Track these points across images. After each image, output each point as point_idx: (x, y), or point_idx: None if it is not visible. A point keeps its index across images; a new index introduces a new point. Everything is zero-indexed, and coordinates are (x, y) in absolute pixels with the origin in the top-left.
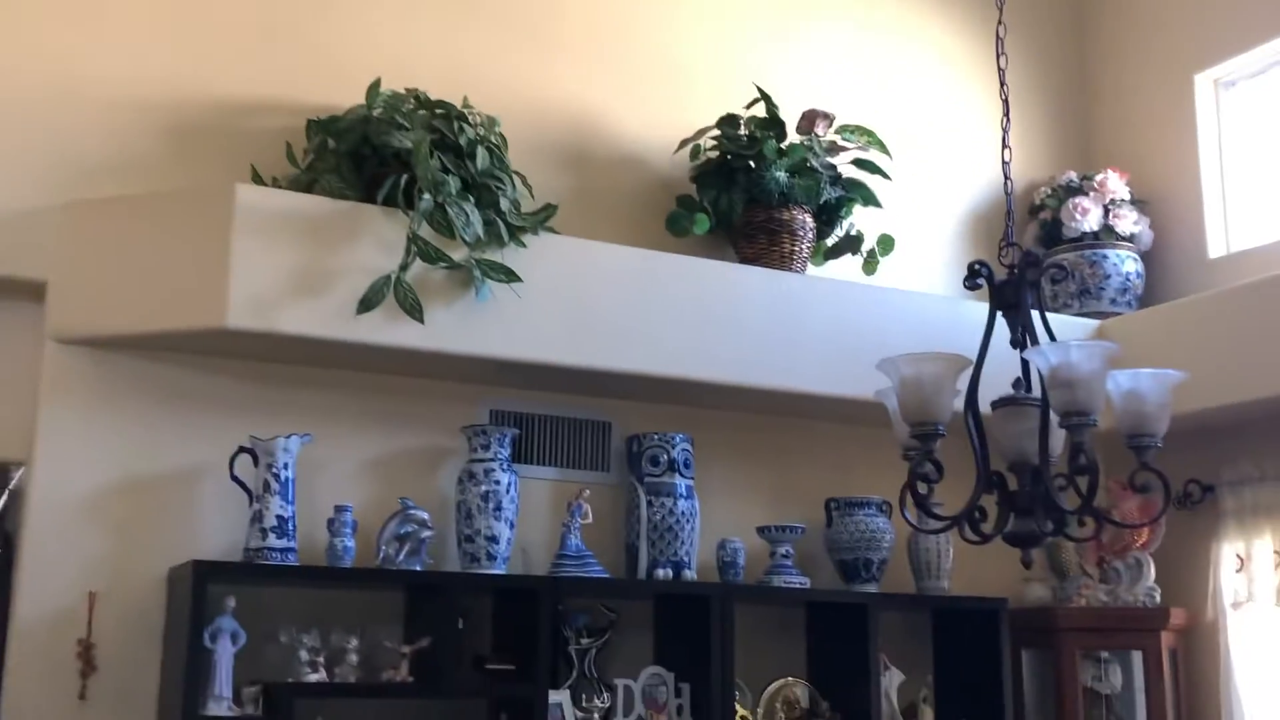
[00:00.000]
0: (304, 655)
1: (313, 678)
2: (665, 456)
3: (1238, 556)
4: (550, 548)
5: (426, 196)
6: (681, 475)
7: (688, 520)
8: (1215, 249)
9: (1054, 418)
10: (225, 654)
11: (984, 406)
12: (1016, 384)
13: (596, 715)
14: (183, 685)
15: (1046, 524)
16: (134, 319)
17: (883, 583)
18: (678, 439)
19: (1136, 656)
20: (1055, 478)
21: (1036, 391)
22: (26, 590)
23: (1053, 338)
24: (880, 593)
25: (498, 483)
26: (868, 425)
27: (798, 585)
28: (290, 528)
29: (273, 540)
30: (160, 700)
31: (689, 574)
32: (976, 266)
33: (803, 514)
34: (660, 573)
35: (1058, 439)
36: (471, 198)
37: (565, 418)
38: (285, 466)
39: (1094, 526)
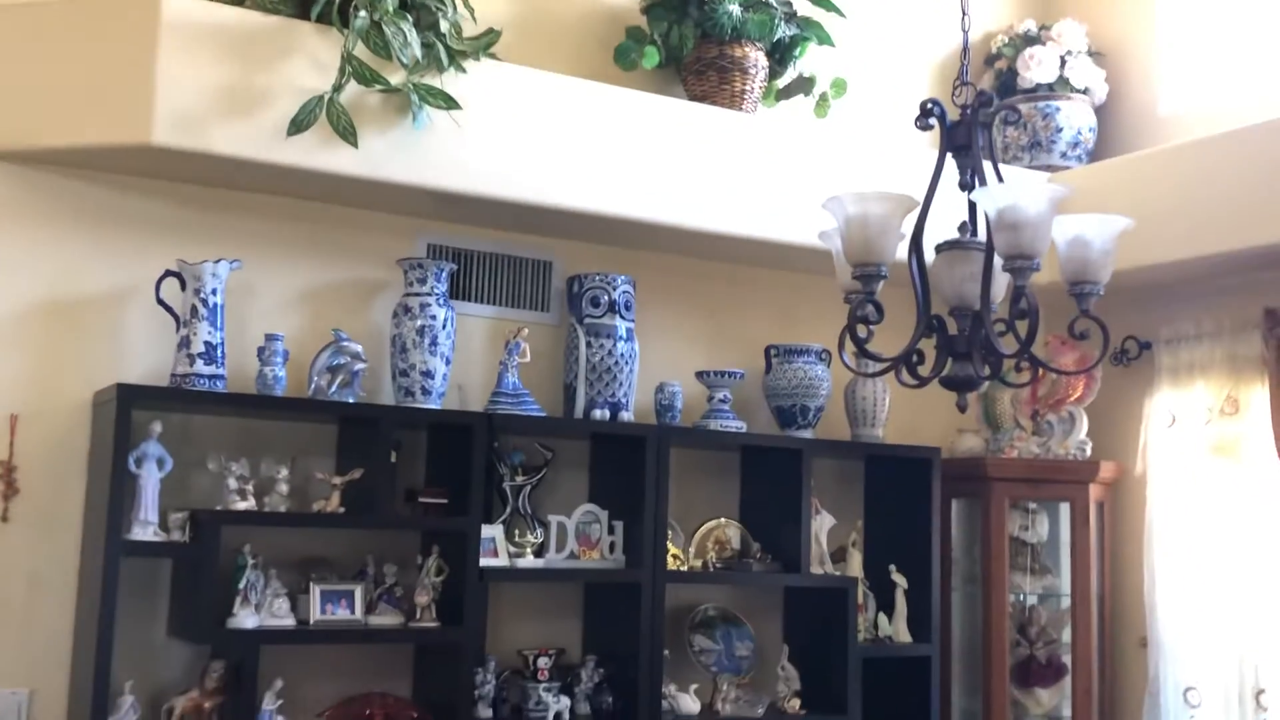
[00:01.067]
0: (232, 483)
1: (241, 506)
2: (606, 298)
3: (1169, 413)
4: (487, 386)
5: (362, 14)
6: (622, 317)
7: (626, 362)
8: (1167, 105)
9: (997, 262)
10: (151, 479)
11: (929, 252)
12: (962, 228)
13: (529, 550)
14: (107, 509)
15: (983, 368)
16: (55, 132)
17: (818, 430)
18: (619, 280)
19: (1064, 508)
20: (995, 323)
21: (982, 237)
22: None
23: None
24: (815, 438)
25: (433, 318)
26: (811, 273)
27: (734, 429)
28: (219, 355)
29: (200, 366)
30: (85, 524)
31: (626, 415)
32: (929, 105)
33: (742, 360)
34: (597, 413)
35: (1000, 285)
36: (410, 18)
37: (505, 255)
38: (214, 292)
39: (1030, 372)
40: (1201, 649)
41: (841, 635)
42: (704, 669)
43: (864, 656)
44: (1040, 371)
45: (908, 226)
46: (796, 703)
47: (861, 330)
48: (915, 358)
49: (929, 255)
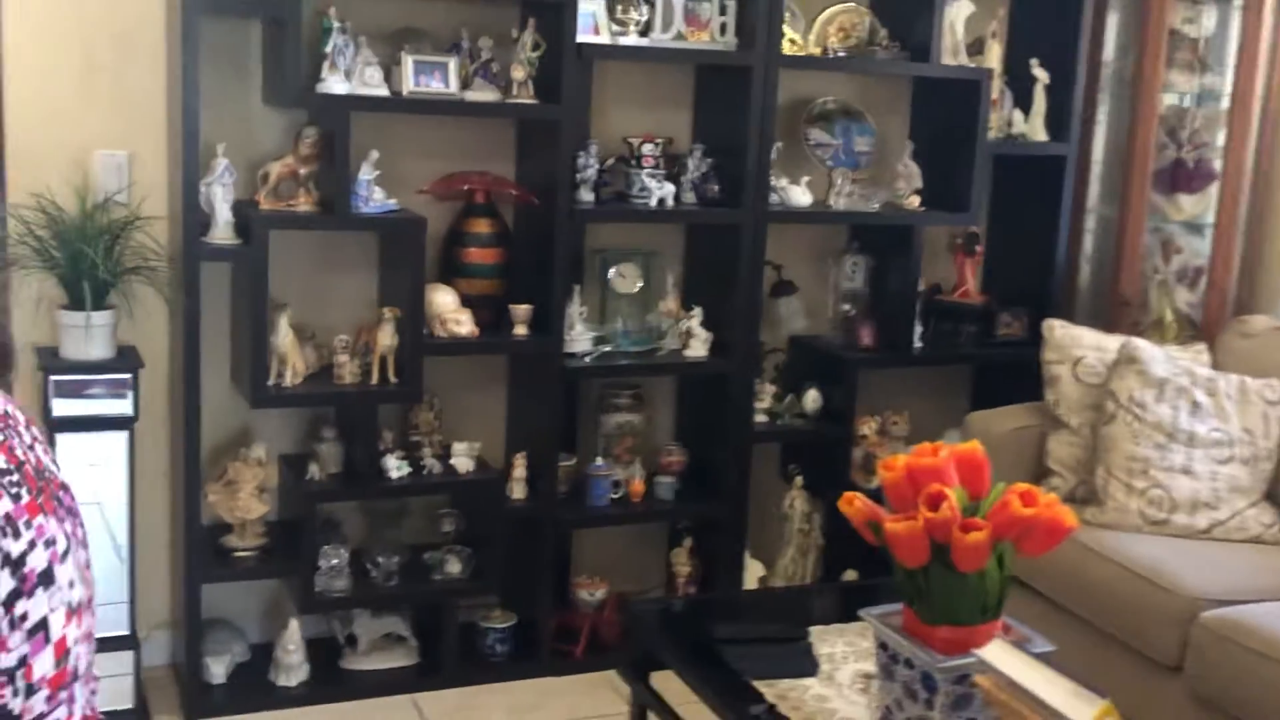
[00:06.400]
0: None
1: None
2: None
3: None
4: None
5: None
6: None
7: None
8: None
9: None
10: None
11: None
12: None
13: (632, 28)
14: None
15: None
16: None
17: None
18: None
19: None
20: None
21: None
22: None
23: None
24: None
25: None
26: None
27: None
28: None
29: None
30: None
31: None
32: None
33: None
34: None
35: None
36: None
37: None
38: None
39: None
40: None
41: (970, 131)
42: (819, 163)
43: (994, 154)
44: None
45: None
46: (916, 200)
47: None
48: None
49: None
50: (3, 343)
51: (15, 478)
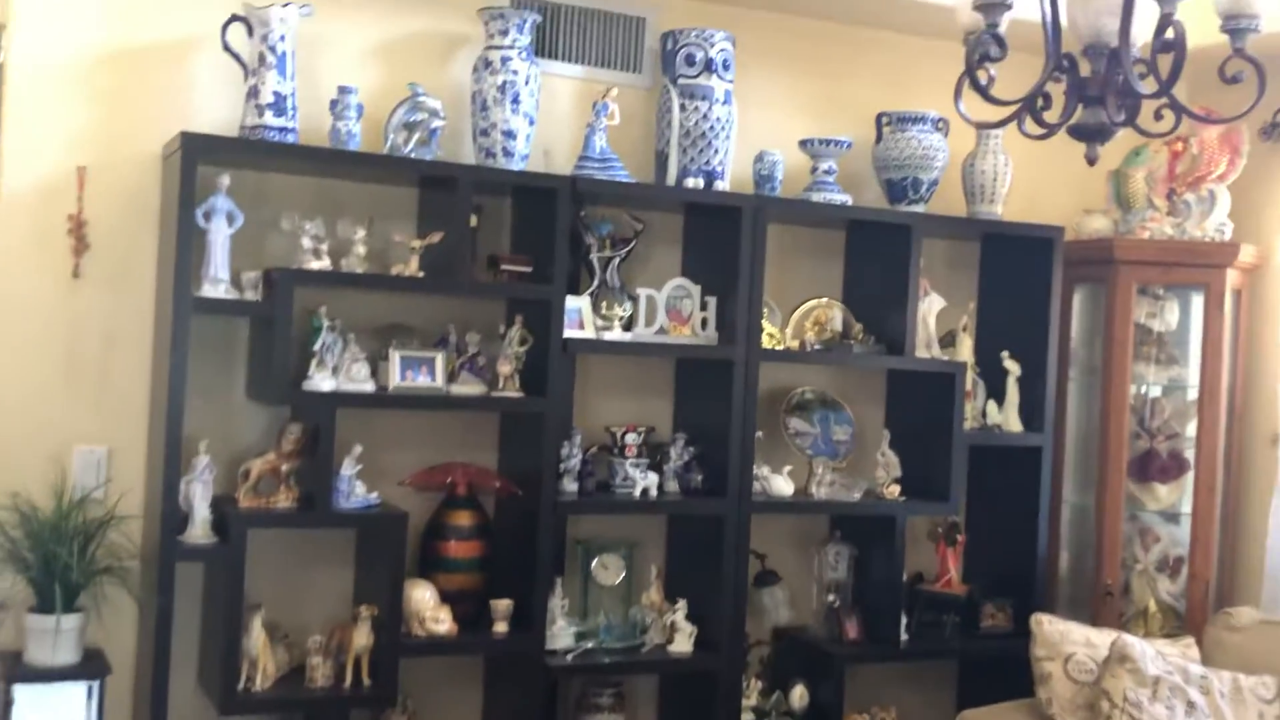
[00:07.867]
0: (307, 243)
1: (316, 266)
2: (702, 55)
3: None
4: (574, 151)
5: None
6: (719, 78)
7: (723, 128)
8: None
9: None
10: (220, 234)
11: None
12: None
13: (617, 323)
14: (175, 264)
15: (1119, 114)
16: None
17: (931, 206)
18: (717, 36)
19: (1197, 296)
20: (1134, 64)
21: None
22: (12, 161)
23: None
24: (928, 214)
25: (515, 73)
26: (928, 36)
27: (839, 202)
28: (289, 106)
29: (270, 118)
30: (158, 281)
31: (721, 185)
32: None
33: (850, 128)
34: (690, 181)
35: (1143, 22)
36: None
37: (595, 9)
38: (282, 39)
39: (1172, 120)
40: None
41: (946, 422)
42: (799, 452)
43: (970, 444)
44: (1179, 141)
45: None
46: (896, 489)
47: (982, 75)
48: (1041, 103)
49: None
50: None
51: None
